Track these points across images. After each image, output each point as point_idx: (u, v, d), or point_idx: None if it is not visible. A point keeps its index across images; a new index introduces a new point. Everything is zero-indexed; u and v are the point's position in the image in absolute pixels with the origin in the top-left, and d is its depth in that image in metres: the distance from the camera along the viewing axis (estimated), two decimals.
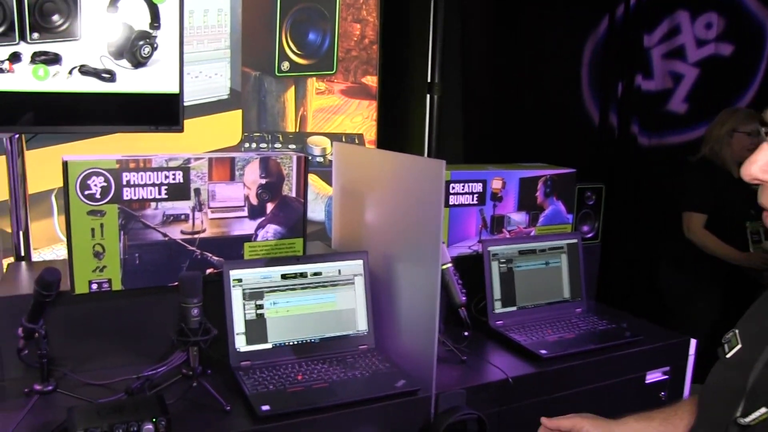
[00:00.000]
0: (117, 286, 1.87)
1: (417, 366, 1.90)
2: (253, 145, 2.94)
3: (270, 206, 2.03)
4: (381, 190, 2.16)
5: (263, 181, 2.01)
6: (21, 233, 2.23)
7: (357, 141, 3.12)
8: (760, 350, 0.90)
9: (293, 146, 3.02)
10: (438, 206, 1.84)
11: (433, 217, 1.85)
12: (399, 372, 1.88)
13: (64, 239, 2.60)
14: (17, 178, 2.22)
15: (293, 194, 2.06)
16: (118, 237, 1.84)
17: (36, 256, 2.35)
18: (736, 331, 0.98)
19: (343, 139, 3.09)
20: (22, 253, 2.24)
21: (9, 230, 2.25)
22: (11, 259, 2.26)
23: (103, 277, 1.85)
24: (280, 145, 3.00)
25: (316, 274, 2.03)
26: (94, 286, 1.85)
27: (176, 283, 1.88)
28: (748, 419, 0.86)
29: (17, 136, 2.18)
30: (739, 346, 0.95)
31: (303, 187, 2.07)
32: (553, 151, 2.93)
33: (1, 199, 2.27)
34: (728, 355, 0.96)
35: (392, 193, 2.08)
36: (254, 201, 2.01)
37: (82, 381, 1.84)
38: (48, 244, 2.56)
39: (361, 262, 2.09)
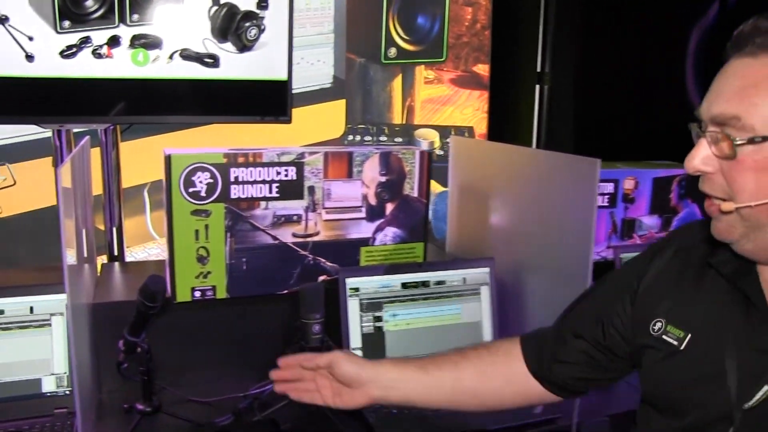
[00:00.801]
0: (222, 293, 1.67)
1: None
2: (357, 138, 2.72)
3: (389, 207, 1.80)
4: (510, 190, 1.90)
5: (383, 179, 1.78)
6: (114, 230, 2.07)
7: (467, 134, 2.86)
8: (720, 336, 0.96)
9: (399, 139, 2.79)
10: (590, 211, 1.59)
11: (583, 223, 1.59)
12: None
13: (158, 238, 2.44)
14: (111, 171, 2.05)
15: (415, 194, 1.83)
16: (224, 240, 1.64)
17: (128, 256, 2.18)
18: (663, 320, 1.03)
19: (453, 133, 2.84)
20: (116, 252, 2.08)
21: (101, 227, 2.08)
22: (104, 258, 2.10)
23: (207, 284, 1.65)
24: (385, 138, 2.77)
25: (439, 282, 1.80)
26: (197, 294, 1.65)
27: (285, 292, 1.68)
28: (752, 401, 0.90)
29: (112, 126, 2.00)
30: (690, 336, 1.00)
31: (426, 185, 1.83)
32: (660, 147, 2.62)
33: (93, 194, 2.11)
34: (683, 347, 1.00)
35: (526, 194, 1.83)
36: (373, 201, 1.78)
37: (184, 397, 1.65)
38: (139, 243, 2.39)
39: (487, 270, 1.85)
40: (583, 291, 1.27)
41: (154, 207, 2.36)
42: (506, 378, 1.22)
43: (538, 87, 3.09)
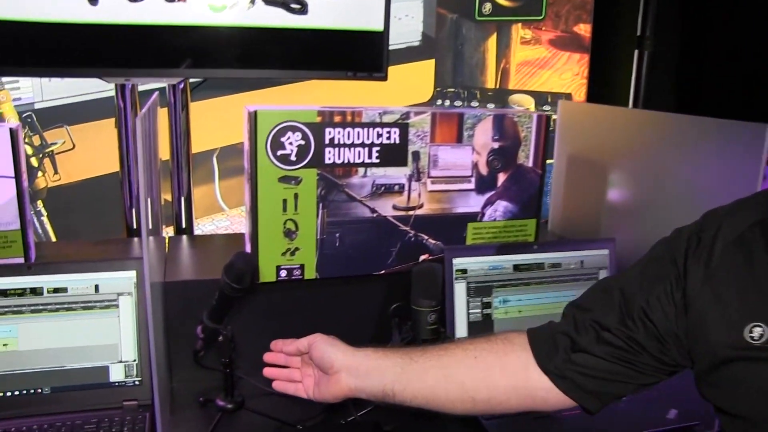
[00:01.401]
0: (310, 273, 1.45)
1: (686, 390, 1.40)
2: (446, 103, 2.47)
3: (501, 177, 1.55)
4: (635, 161, 1.64)
5: (496, 146, 1.53)
6: (183, 200, 1.86)
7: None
8: None
9: (492, 105, 2.52)
10: (753, 184, 1.33)
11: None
12: (663, 396, 1.38)
13: (226, 209, 2.23)
14: (180, 135, 1.84)
15: (530, 163, 1.57)
16: (315, 211, 1.41)
17: (195, 229, 1.97)
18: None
19: (549, 99, 2.57)
20: (184, 225, 1.87)
21: (168, 197, 1.88)
22: (171, 231, 1.89)
23: (294, 263, 1.43)
24: (477, 104, 2.51)
25: (554, 265, 1.55)
26: (283, 273, 1.43)
27: (382, 272, 1.45)
28: None
29: (182, 84, 1.79)
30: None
31: (542, 154, 1.58)
32: None
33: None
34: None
35: (656, 165, 1.57)
36: (484, 170, 1.53)
37: (267, 390, 1.43)
38: (206, 214, 2.18)
39: (606, 252, 1.60)
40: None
41: (224, 175, 2.14)
42: (503, 369, 1.00)
43: (636, 52, 2.78)
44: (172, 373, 1.48)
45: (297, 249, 1.42)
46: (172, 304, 1.42)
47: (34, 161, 2.20)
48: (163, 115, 1.80)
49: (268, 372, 1.15)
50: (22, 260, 1.41)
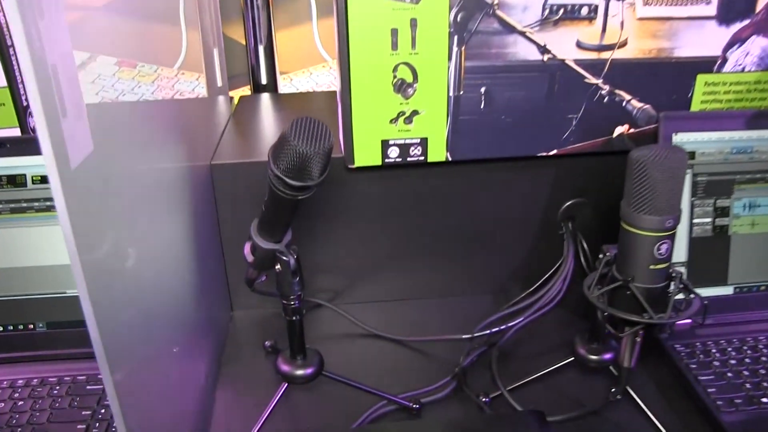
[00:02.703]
0: (438, 153, 0.90)
1: None
2: None
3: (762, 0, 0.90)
4: None
5: None
6: (262, 48, 1.33)
7: None
8: None
9: None
10: None
11: None
12: None
13: (329, 59, 1.69)
14: None
15: None
16: (446, 50, 0.84)
17: (283, 86, 1.45)
18: None
19: None
20: (263, 80, 1.35)
21: (243, 42, 1.35)
22: (246, 91, 1.39)
23: (412, 135, 0.88)
24: None
25: None
26: (393, 153, 0.89)
27: (553, 153, 0.88)
28: None
29: None
30: None
31: None
32: None
33: None
34: None
35: None
36: None
37: (360, 332, 0.94)
38: (302, 67, 1.64)
39: None
40: None
41: (323, 13, 1.58)
42: None
43: None
44: (231, 298, 1.00)
45: (415, 113, 0.87)
46: (228, 199, 0.93)
47: None
48: None
49: None
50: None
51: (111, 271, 0.58)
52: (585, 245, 1.01)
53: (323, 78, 1.59)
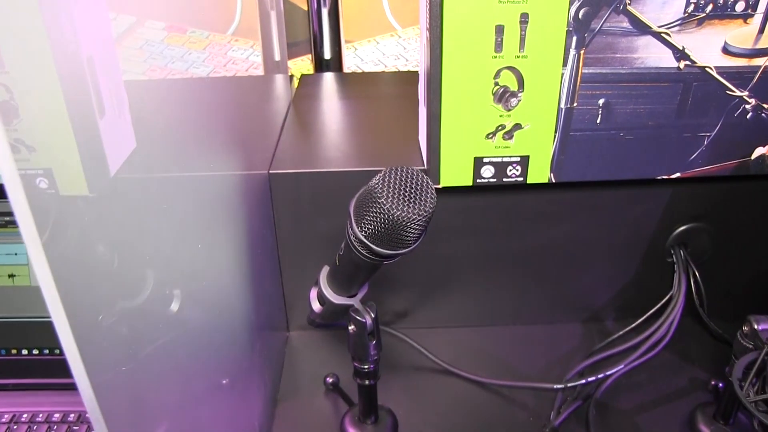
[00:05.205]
0: (541, 174, 0.75)
1: None
2: None
3: None
4: None
5: None
6: (325, 12, 1.18)
7: None
8: None
9: None
10: None
11: None
12: None
13: (398, 27, 1.52)
14: None
15: None
16: (561, 53, 0.68)
17: (348, 59, 1.31)
18: None
19: None
20: (327, 54, 1.20)
21: (304, 7, 1.20)
22: (307, 63, 1.24)
23: (512, 153, 0.73)
24: None
25: None
26: (487, 172, 0.75)
27: (676, 176, 0.73)
28: None
29: None
30: None
31: None
32: None
33: None
34: None
35: None
36: None
37: (437, 368, 0.82)
38: (368, 35, 1.48)
39: None
40: None
41: None
42: None
43: None
44: (287, 316, 0.89)
45: (517, 127, 0.72)
46: (288, 211, 0.80)
47: None
48: None
49: None
50: None
51: (154, 315, 0.47)
52: (699, 278, 0.86)
53: (391, 48, 1.43)
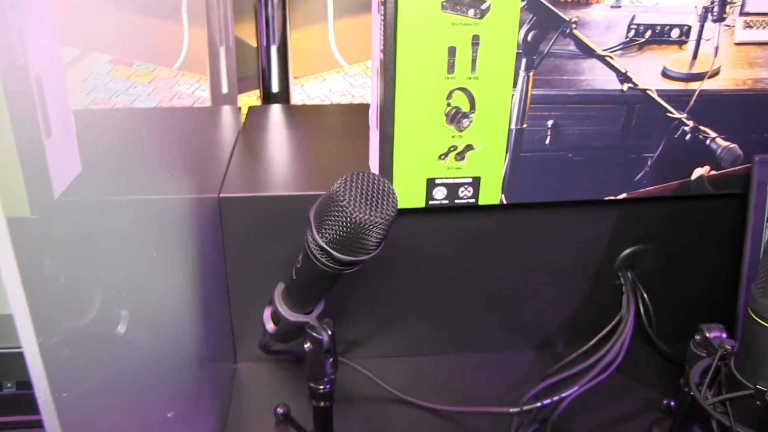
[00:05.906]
0: (491, 196, 0.76)
1: None
2: None
3: None
4: None
5: None
6: (274, 49, 1.18)
7: None
8: None
9: None
10: None
11: None
12: None
13: (344, 63, 1.54)
14: None
15: None
16: (512, 74, 0.70)
17: (295, 93, 1.31)
18: None
19: None
20: (275, 87, 1.20)
21: (253, 43, 1.20)
22: (254, 99, 1.24)
23: (464, 174, 0.74)
24: None
25: None
26: (439, 194, 0.75)
27: (623, 197, 0.75)
28: None
29: None
30: None
31: None
32: None
33: None
34: None
35: None
36: None
37: (400, 398, 0.80)
38: (315, 71, 1.49)
39: None
40: None
41: (340, 13, 1.43)
42: None
43: None
44: (235, 347, 0.86)
45: (469, 148, 0.73)
46: (235, 235, 0.79)
47: None
48: None
49: None
50: None
51: (98, 337, 0.45)
52: (647, 299, 0.88)
53: (337, 84, 1.44)
